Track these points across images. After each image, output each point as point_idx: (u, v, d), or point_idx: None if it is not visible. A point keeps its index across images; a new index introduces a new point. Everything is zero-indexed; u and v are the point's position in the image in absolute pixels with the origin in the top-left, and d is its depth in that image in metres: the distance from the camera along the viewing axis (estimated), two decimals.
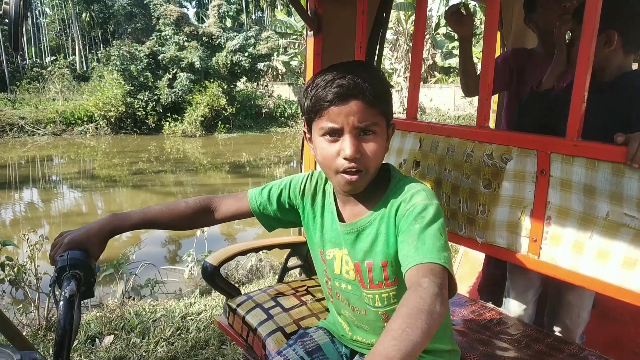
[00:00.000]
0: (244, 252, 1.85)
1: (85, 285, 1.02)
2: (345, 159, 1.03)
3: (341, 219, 1.18)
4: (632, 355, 2.16)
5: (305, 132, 1.16)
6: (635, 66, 1.77)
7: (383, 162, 1.12)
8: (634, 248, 1.13)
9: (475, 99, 1.72)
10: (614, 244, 1.16)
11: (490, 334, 1.65)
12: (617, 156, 1.14)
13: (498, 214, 1.38)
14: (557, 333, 1.88)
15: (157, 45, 19.63)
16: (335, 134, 1.04)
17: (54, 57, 28.05)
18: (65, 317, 0.92)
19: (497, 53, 2.69)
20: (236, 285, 1.90)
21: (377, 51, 2.14)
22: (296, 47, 26.33)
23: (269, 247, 1.92)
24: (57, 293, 0.99)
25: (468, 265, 2.74)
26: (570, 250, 1.24)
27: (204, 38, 19.94)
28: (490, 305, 1.90)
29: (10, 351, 0.77)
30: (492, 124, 2.66)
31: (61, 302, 0.94)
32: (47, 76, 21.99)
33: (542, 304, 2.03)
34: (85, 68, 29.62)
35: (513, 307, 1.96)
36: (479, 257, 2.68)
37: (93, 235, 1.11)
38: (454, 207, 1.49)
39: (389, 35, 22.59)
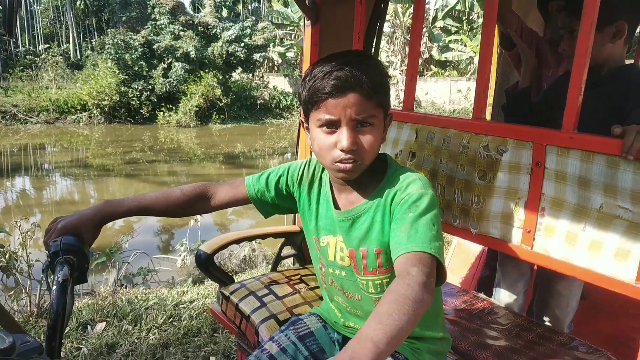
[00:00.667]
0: (237, 241, 1.86)
1: (79, 271, 1.02)
2: (342, 150, 1.03)
3: (337, 207, 1.18)
4: (621, 347, 2.19)
5: (302, 122, 1.16)
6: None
7: (380, 152, 1.13)
8: (626, 240, 1.14)
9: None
10: (607, 236, 1.17)
11: (481, 323, 1.67)
12: (612, 149, 1.15)
13: (492, 205, 1.39)
14: (546, 322, 1.91)
15: (152, 35, 19.43)
16: (332, 125, 1.04)
17: (48, 45, 27.74)
18: (58, 301, 0.92)
19: (495, 47, 2.69)
20: (229, 274, 1.91)
21: (374, 42, 2.14)
22: (292, 38, 26.20)
23: (263, 236, 1.92)
24: (50, 278, 0.99)
25: (461, 257, 2.75)
26: (563, 242, 1.25)
27: (199, 28, 19.76)
28: (482, 295, 1.92)
29: (3, 334, 0.76)
30: (488, 116, 2.66)
31: (54, 287, 0.93)
32: (40, 64, 21.78)
33: (530, 293, 2.06)
34: (79, 56, 29.33)
35: (504, 297, 1.99)
36: (471, 249, 2.69)
37: (87, 221, 1.11)
38: (449, 198, 1.49)
39: (386, 27, 22.51)
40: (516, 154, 1.33)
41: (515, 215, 1.35)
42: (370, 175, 1.12)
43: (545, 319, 1.92)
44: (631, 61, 2.33)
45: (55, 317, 0.91)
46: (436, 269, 0.94)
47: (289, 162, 1.31)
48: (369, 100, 1.03)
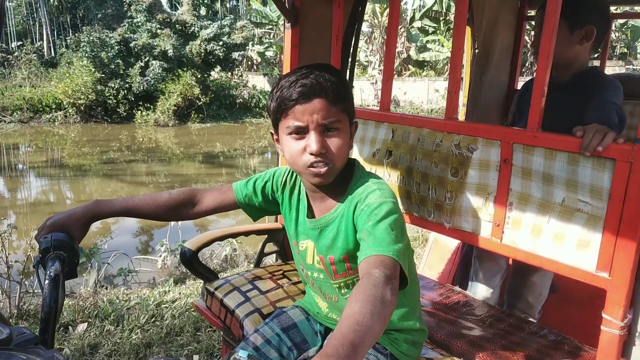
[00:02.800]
0: (221, 238, 1.89)
1: (69, 266, 1.05)
2: (311, 154, 1.08)
3: (312, 214, 1.24)
4: (587, 335, 2.30)
5: (272, 134, 1.21)
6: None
7: (350, 157, 1.18)
8: (586, 231, 1.22)
9: None
10: (569, 228, 1.25)
11: (456, 315, 1.75)
12: (572, 146, 1.22)
13: (464, 200, 1.46)
14: (518, 310, 2.01)
15: (128, 32, 19.16)
16: (301, 131, 1.09)
17: (21, 42, 27.12)
18: (50, 295, 0.95)
19: (468, 49, 2.77)
20: (213, 271, 1.94)
21: (352, 44, 2.20)
22: (271, 37, 26.12)
23: (246, 233, 1.96)
24: (41, 273, 1.02)
25: (438, 253, 2.84)
26: (529, 234, 1.33)
27: (177, 26, 19.56)
28: (457, 288, 2.00)
29: (0, 326, 0.80)
30: (462, 117, 2.75)
31: (46, 281, 0.97)
32: (13, 62, 21.30)
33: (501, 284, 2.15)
34: (53, 54, 28.67)
35: (480, 291, 2.07)
36: (448, 245, 2.78)
37: (76, 219, 1.14)
38: (424, 194, 1.56)
39: (365, 27, 22.64)
40: (485, 151, 1.40)
41: (485, 209, 1.42)
42: (340, 182, 1.17)
43: (518, 306, 2.02)
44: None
45: (48, 310, 0.94)
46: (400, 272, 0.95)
47: (274, 168, 1.36)
48: (334, 105, 1.08)
